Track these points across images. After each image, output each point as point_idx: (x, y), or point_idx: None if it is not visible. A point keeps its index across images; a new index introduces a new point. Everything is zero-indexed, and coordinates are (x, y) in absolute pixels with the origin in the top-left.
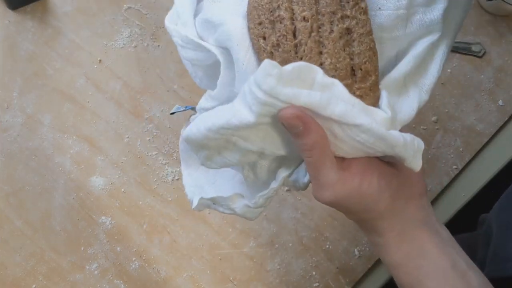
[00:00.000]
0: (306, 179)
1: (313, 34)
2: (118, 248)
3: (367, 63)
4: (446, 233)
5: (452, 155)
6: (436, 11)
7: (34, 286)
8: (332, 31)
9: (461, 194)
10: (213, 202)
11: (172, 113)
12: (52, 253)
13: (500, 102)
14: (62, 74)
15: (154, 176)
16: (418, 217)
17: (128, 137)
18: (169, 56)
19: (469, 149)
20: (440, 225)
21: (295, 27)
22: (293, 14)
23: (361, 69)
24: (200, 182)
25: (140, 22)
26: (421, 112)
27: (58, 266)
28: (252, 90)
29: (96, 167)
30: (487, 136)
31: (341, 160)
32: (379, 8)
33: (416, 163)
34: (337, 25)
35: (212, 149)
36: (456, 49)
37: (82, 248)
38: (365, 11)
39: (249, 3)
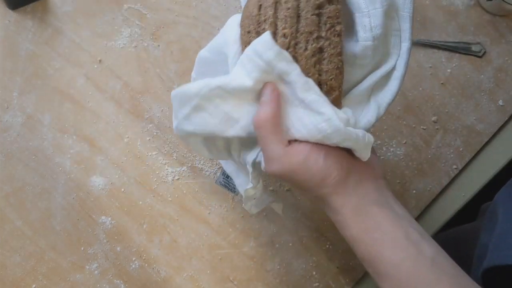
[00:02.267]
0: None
1: (289, 49)
2: (118, 248)
3: (332, 80)
4: (402, 210)
5: (452, 155)
6: (393, 42)
7: (34, 286)
8: (306, 49)
9: (461, 194)
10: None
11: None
12: (52, 253)
13: (500, 102)
14: (62, 74)
15: (154, 176)
16: (372, 196)
17: (128, 137)
18: (169, 56)
19: (469, 149)
20: (396, 204)
21: (276, 41)
22: (276, 29)
23: (326, 84)
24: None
25: (140, 22)
26: (421, 112)
27: (58, 266)
28: (253, 59)
29: (96, 167)
30: (487, 136)
31: (292, 140)
32: (357, 40)
33: (365, 154)
34: (312, 44)
35: (193, 108)
36: (456, 49)
37: (82, 248)
38: (339, 34)
39: (243, 12)
